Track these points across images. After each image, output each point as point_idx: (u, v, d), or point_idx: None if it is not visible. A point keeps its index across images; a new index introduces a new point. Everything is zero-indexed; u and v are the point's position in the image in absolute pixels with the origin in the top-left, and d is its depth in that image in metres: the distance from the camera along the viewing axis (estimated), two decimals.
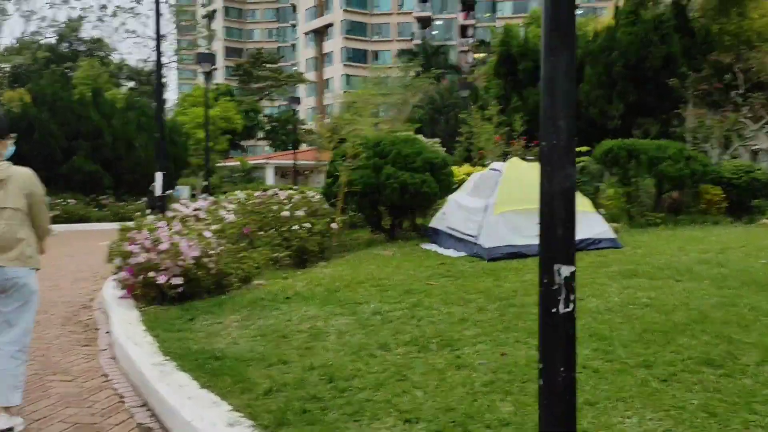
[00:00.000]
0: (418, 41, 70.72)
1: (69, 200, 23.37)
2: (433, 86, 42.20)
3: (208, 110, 18.34)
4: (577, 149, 12.22)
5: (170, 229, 7.43)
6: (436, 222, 10.26)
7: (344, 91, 69.05)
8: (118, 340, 5.73)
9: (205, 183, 20.23)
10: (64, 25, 38.16)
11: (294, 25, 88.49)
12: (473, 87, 23.30)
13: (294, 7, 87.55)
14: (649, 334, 4.65)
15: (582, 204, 9.16)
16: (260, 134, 68.43)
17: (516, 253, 8.43)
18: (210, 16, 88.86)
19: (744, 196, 12.09)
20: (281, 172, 62.38)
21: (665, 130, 14.64)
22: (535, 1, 74.04)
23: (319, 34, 78.19)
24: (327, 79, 76.50)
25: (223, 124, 34.83)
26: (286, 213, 10.44)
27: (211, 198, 16.41)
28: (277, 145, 69.77)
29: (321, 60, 78.05)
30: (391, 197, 10.37)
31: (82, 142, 25.03)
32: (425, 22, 75.66)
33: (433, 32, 74.37)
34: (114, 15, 46.14)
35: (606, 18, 20.19)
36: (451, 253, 9.21)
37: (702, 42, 15.50)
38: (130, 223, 8.64)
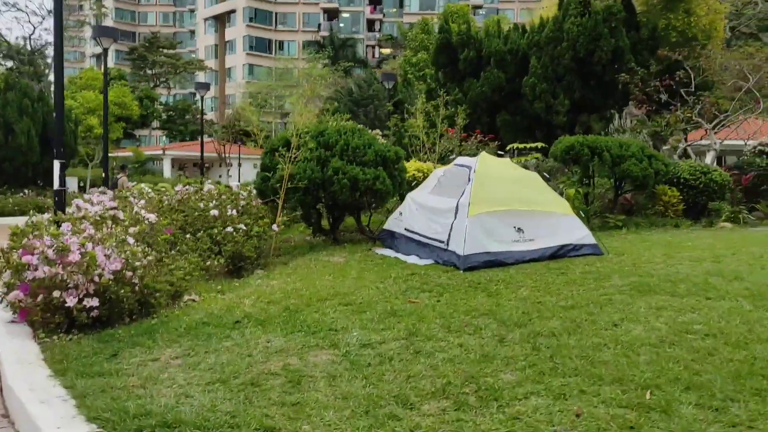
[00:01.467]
0: (325, 33, 69.13)
1: None
2: (348, 79, 41.00)
3: (107, 92, 16.19)
4: (531, 145, 11.39)
5: (79, 234, 5.77)
6: (392, 224, 9.03)
7: (247, 81, 66.47)
8: (14, 391, 4.10)
9: (104, 175, 17.95)
10: None
11: (193, 11, 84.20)
12: (396, 78, 22.24)
13: None
14: (750, 379, 3.65)
15: (559, 205, 8.24)
16: (155, 123, 64.58)
17: (493, 261, 7.36)
18: None
19: (700, 198, 11.71)
20: (179, 164, 59.18)
21: (608, 128, 14.21)
22: None
23: (221, 20, 74.77)
24: (229, 68, 73.31)
25: (118, 110, 31.99)
26: (214, 212, 8.86)
27: (111, 192, 14.53)
28: (173, 135, 66.08)
29: (222, 48, 74.67)
30: (340, 194, 9.03)
31: None
32: (332, 14, 74.08)
33: (340, 25, 72.93)
34: None
35: (549, 7, 19.64)
36: (414, 260, 8.02)
37: (648, 38, 15.20)
38: (22, 223, 6.86)
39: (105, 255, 5.42)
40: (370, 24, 76.16)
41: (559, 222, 7.96)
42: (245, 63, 70.96)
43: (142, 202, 10.44)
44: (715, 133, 13.89)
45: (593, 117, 14.70)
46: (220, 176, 54.87)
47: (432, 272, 7.25)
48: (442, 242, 7.77)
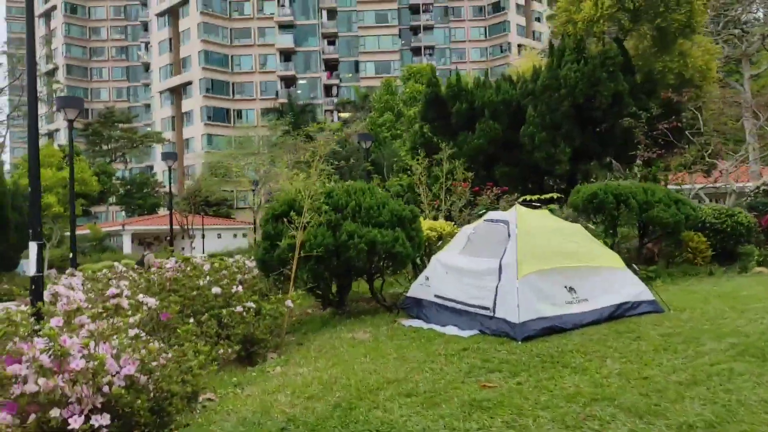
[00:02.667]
0: (283, 100, 69.06)
1: None
2: (320, 143, 40.61)
3: (73, 166, 15.13)
4: (546, 196, 10.68)
5: (74, 332, 4.64)
6: (417, 290, 8.06)
7: (206, 151, 65.43)
8: None
9: (72, 255, 16.61)
10: None
11: (147, 85, 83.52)
12: (372, 138, 21.64)
13: (147, 66, 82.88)
14: None
15: (608, 258, 7.42)
16: (112, 199, 62.69)
17: (551, 328, 6.45)
18: (51, 73, 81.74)
19: (727, 242, 11.10)
20: (138, 239, 57.29)
21: (611, 175, 13.68)
22: (397, 60, 75.60)
23: (177, 92, 74.15)
24: (187, 139, 72.28)
25: (77, 187, 30.40)
26: (216, 290, 7.77)
27: (79, 273, 13.27)
28: (131, 210, 64.22)
29: (179, 119, 73.81)
30: (357, 261, 8.06)
31: None
32: (289, 81, 74.31)
33: (298, 91, 73.13)
34: None
35: (530, 57, 19.40)
36: (454, 331, 7.04)
37: (644, 81, 14.92)
38: None
39: (112, 356, 4.32)
40: (328, 89, 76.69)
41: (611, 277, 7.13)
42: (204, 133, 70.13)
43: (124, 282, 9.32)
44: (729, 174, 13.54)
45: (594, 164, 14.20)
46: (182, 248, 53.13)
47: (484, 345, 6.27)
48: (486, 309, 6.83)
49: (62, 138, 71.25)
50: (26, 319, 6.21)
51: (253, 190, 35.14)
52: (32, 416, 4.11)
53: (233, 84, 72.90)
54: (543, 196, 9.82)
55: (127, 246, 52.95)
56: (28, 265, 22.65)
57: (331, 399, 5.04)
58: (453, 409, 4.42)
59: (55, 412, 3.99)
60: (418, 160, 11.87)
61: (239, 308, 7.20)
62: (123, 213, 63.35)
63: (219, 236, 56.83)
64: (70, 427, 3.95)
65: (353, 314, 8.96)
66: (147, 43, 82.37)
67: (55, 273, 31.14)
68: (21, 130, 72.75)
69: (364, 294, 11.24)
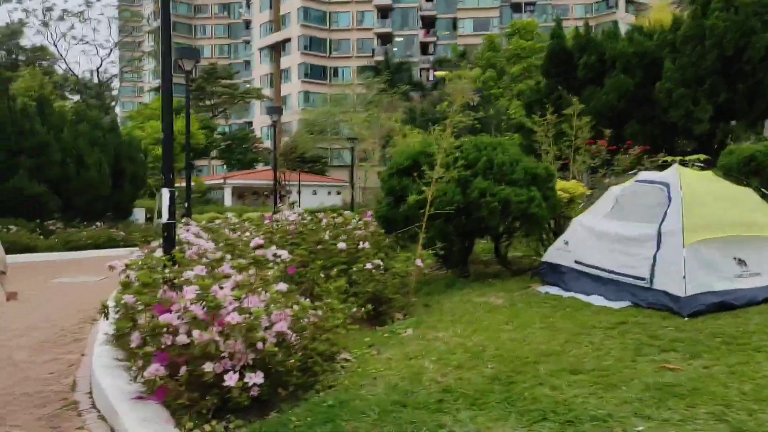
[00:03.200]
0: (379, 58, 68.49)
1: (9, 227, 19.59)
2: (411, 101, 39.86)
3: (189, 114, 15.29)
4: (692, 157, 9.71)
5: (220, 282, 4.41)
6: (554, 255, 7.46)
7: (303, 108, 66.11)
8: None
9: (187, 204, 16.95)
10: (1, 30, 34.03)
11: (247, 42, 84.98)
12: (481, 93, 20.81)
13: (247, 23, 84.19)
14: None
15: None
16: (214, 153, 64.60)
17: (722, 303, 5.74)
18: (157, 32, 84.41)
19: None
20: (239, 192, 59.00)
21: (755, 137, 12.40)
22: (496, 17, 73.13)
23: (276, 49, 75.06)
24: (284, 96, 73.28)
25: (185, 139, 31.24)
26: (342, 245, 7.49)
27: (193, 222, 13.45)
28: (232, 164, 66.06)
29: (278, 76, 74.85)
30: (490, 221, 7.55)
31: (26, 159, 21.28)
32: (385, 39, 73.52)
33: (394, 49, 72.27)
34: (61, 18, 41.93)
35: (660, 9, 17.90)
36: (600, 301, 6.44)
37: None
38: (97, 258, 5.65)
39: (276, 315, 4.04)
40: (424, 47, 75.31)
41: None
42: (300, 90, 70.84)
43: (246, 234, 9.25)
44: None
45: (737, 125, 12.91)
46: (280, 203, 54.22)
47: (644, 319, 5.64)
48: (641, 279, 6.18)
49: None
50: (161, 265, 6.13)
51: (352, 148, 34.87)
52: (183, 369, 3.90)
53: (330, 41, 72.94)
54: (689, 158, 8.91)
55: (228, 199, 54.64)
56: (140, 213, 23.35)
57: (483, 370, 4.61)
58: (637, 393, 3.88)
59: (209, 367, 3.76)
60: (534, 118, 11.10)
61: (369, 265, 6.87)
62: (224, 167, 65.24)
63: (314, 193, 57.69)
64: (225, 384, 3.70)
65: (477, 277, 8.50)
66: (248, 0, 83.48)
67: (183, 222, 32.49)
68: (130, 85, 76.03)
69: (480, 256, 10.75)
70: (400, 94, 53.91)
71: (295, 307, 4.18)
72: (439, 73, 69.42)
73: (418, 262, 7.08)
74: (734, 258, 6.05)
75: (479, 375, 4.49)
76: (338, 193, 61.68)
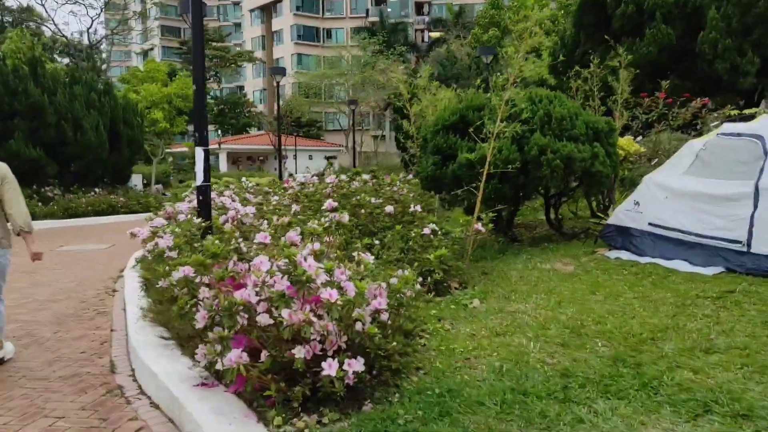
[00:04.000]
0: (374, 18, 66.83)
1: None
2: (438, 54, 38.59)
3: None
4: (750, 111, 9.06)
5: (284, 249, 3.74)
6: (623, 217, 6.85)
7: (296, 71, 64.61)
8: None
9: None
10: None
11: (237, 3, 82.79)
12: (495, 51, 19.99)
13: None
14: None
15: None
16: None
17: None
18: None
19: None
20: (233, 157, 57.99)
21: None
22: None
23: (267, 11, 73.10)
24: (277, 59, 71.62)
25: (181, 103, 30.18)
26: (389, 208, 6.84)
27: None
28: (225, 129, 64.75)
29: (270, 38, 73.07)
30: (550, 180, 6.90)
31: (20, 122, 20.34)
32: None
33: (389, 9, 70.52)
34: None
35: None
36: (685, 267, 5.85)
37: None
38: (97, 225, 5.02)
39: (374, 290, 3.40)
40: (419, 7, 73.57)
41: None
42: (293, 53, 69.22)
43: (275, 198, 8.57)
44: None
45: None
46: (275, 168, 53.39)
47: (755, 288, 5.05)
48: (737, 243, 5.58)
49: (157, 57, 71.94)
50: (201, 232, 5.48)
51: (352, 110, 33.95)
52: (263, 354, 3.27)
53: (323, 2, 71.04)
54: (746, 111, 8.27)
55: (223, 165, 53.61)
56: (137, 179, 22.42)
57: (595, 349, 4.02)
58: None
59: (300, 352, 3.13)
60: (568, 73, 10.36)
61: (426, 230, 6.23)
62: (218, 132, 64.07)
63: (310, 157, 56.80)
64: (324, 373, 3.08)
65: (528, 242, 7.90)
66: None
67: (161, 188, 31.60)
68: (119, 49, 73.96)
69: (523, 219, 10.15)
70: (397, 55, 52.69)
71: (393, 280, 3.54)
72: (433, 34, 67.93)
73: (478, 226, 6.43)
74: None
75: (594, 355, 3.89)
76: (334, 158, 60.77)
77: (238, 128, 64.06)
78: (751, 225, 5.49)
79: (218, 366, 3.24)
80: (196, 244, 5.34)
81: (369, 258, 3.78)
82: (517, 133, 7.08)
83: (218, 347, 3.21)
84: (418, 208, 6.77)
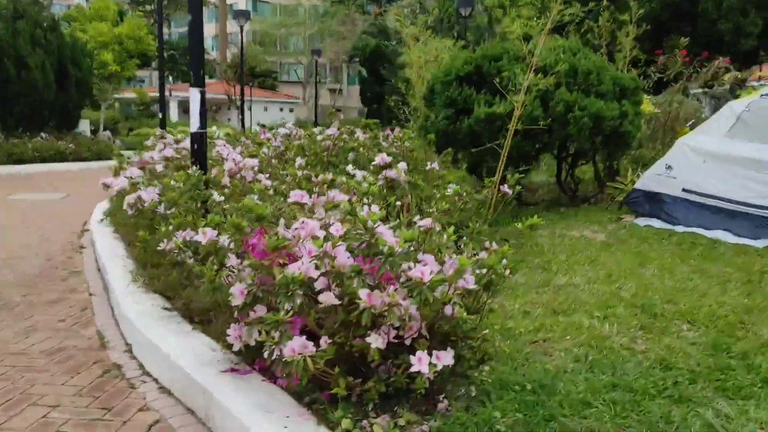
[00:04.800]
0: None
1: None
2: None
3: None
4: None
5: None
6: (652, 182, 6.39)
7: (251, 18, 61.94)
8: None
9: (160, 115, 15.11)
10: None
11: None
12: (473, 4, 19.24)
13: None
14: None
15: None
16: (155, 63, 60.32)
17: None
18: None
19: None
20: (185, 106, 55.75)
21: None
22: None
23: None
24: (230, 4, 68.68)
25: (133, 45, 28.47)
26: (402, 165, 6.17)
27: (169, 136, 11.89)
28: (176, 76, 62.05)
29: None
30: (577, 138, 6.37)
31: None
32: None
33: None
34: None
35: None
36: (730, 237, 5.44)
37: None
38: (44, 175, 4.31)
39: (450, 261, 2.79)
40: None
41: None
42: None
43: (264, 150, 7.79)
44: None
45: None
46: (229, 119, 51.73)
47: None
48: None
49: None
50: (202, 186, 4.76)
51: (315, 61, 32.73)
52: (324, 340, 2.66)
53: None
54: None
55: (174, 113, 51.40)
56: (85, 125, 21.07)
57: (683, 334, 3.54)
58: None
59: (375, 341, 2.53)
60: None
61: (450, 190, 5.61)
62: (170, 78, 61.37)
63: (265, 109, 55.15)
64: (414, 368, 2.48)
65: (543, 206, 7.40)
66: None
67: (109, 135, 29.91)
68: None
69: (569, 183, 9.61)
70: (357, 6, 51.17)
71: (482, 254, 2.94)
72: None
73: (504, 187, 5.84)
74: None
75: (685, 342, 3.41)
76: (291, 110, 59.23)
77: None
78: None
79: (273, 355, 2.58)
80: (198, 201, 4.62)
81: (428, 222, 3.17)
82: (539, 88, 6.49)
83: (275, 334, 2.55)
84: (435, 165, 6.13)
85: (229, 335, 3.02)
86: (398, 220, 3.33)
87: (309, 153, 6.90)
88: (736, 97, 10.26)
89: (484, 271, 2.89)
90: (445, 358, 2.59)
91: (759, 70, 8.28)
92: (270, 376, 3.06)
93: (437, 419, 2.65)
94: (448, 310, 2.70)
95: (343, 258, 2.71)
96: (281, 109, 58.40)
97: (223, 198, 4.61)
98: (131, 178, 6.75)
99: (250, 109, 48.75)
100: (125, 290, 4.69)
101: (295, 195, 3.48)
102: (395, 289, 2.53)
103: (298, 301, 2.64)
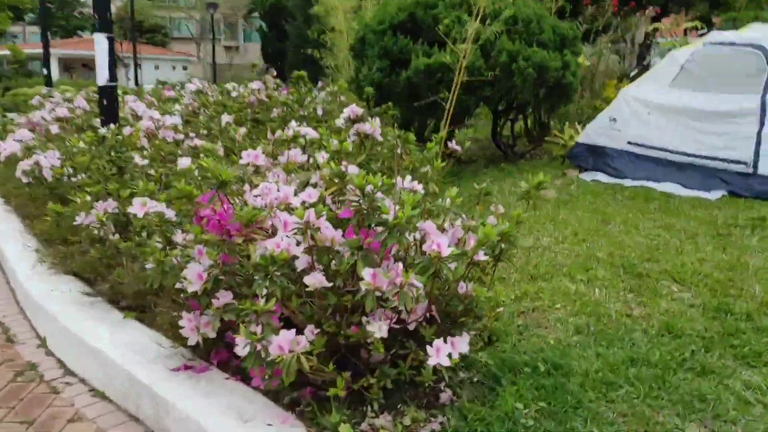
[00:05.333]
0: None
1: None
2: None
3: None
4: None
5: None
6: (596, 135, 6.19)
7: None
8: None
9: (44, 71, 13.65)
10: None
11: None
12: None
13: None
14: None
15: None
16: (28, 17, 55.38)
17: None
18: None
19: None
20: (65, 64, 51.79)
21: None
22: None
23: None
24: None
25: None
26: (340, 121, 5.65)
27: (57, 94, 10.94)
28: (53, 31, 57.23)
29: None
30: (521, 91, 6.06)
31: None
32: None
33: None
34: None
35: None
36: (681, 190, 5.34)
37: None
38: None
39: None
40: None
41: None
42: None
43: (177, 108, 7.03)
44: None
45: None
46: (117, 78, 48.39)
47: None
48: (741, 164, 5.13)
49: None
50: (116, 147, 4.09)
51: (212, 15, 30.91)
52: (310, 330, 2.20)
53: None
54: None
55: (55, 71, 47.48)
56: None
57: (676, 296, 3.31)
58: None
59: (377, 329, 2.10)
60: None
61: (399, 149, 5.15)
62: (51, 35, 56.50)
63: (156, 68, 52.09)
64: (431, 361, 2.07)
65: (480, 163, 7.12)
66: None
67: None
68: None
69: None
70: None
71: (491, 219, 2.53)
72: None
73: (453, 145, 5.46)
74: None
75: (681, 304, 3.19)
76: (184, 68, 56.27)
77: (69, 31, 57.06)
78: (758, 144, 5.05)
79: (249, 351, 2.06)
80: (116, 166, 3.93)
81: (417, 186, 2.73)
82: (488, 37, 6.11)
83: (255, 327, 2.04)
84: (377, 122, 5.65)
85: (182, 326, 2.47)
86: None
87: (231, 110, 6.23)
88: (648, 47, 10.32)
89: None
90: (461, 344, 2.17)
91: (683, 21, 8.26)
92: (235, 373, 2.55)
93: (448, 415, 2.25)
94: (461, 287, 2.28)
95: (331, 230, 2.22)
96: (174, 68, 55.37)
97: (146, 161, 3.95)
98: (23, 141, 5.87)
99: (140, 67, 45.84)
100: (30, 272, 3.95)
101: (248, 155, 2.93)
102: (405, 268, 2.07)
103: (279, 284, 2.13)
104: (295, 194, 2.41)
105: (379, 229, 2.12)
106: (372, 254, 2.09)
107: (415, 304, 2.16)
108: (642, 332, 2.87)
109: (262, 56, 36.89)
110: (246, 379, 2.47)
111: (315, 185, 3.06)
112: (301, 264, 2.22)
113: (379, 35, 6.52)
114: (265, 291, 2.12)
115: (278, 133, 3.18)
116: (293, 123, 5.01)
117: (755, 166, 5.03)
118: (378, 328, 2.13)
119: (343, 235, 2.23)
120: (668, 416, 2.25)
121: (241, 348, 2.09)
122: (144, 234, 2.77)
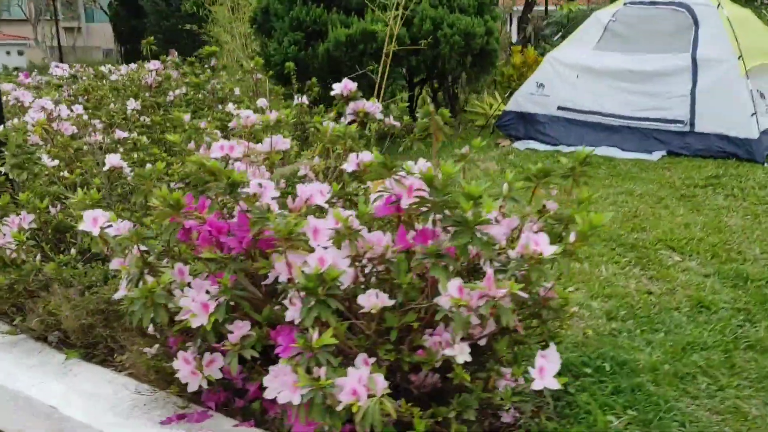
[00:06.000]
0: None
1: None
2: None
3: None
4: None
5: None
6: (523, 102, 5.99)
7: None
8: None
9: None
10: None
11: None
12: None
13: None
14: None
15: None
16: None
17: None
18: None
19: None
20: None
21: None
22: None
23: None
24: None
25: None
26: (263, 102, 5.08)
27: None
28: None
29: None
30: (448, 61, 5.76)
31: None
32: None
33: None
34: None
35: None
36: (620, 153, 5.31)
37: None
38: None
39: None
40: None
41: None
42: None
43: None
44: None
45: None
46: None
47: (730, 171, 4.61)
48: (677, 123, 5.14)
49: None
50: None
51: None
52: (363, 359, 1.78)
53: None
54: None
55: None
56: None
57: (679, 264, 3.15)
58: None
59: (461, 352, 1.73)
60: None
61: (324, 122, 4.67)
62: None
63: (8, 53, 47.02)
64: (536, 386, 1.71)
65: (407, 138, 6.74)
66: None
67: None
68: None
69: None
70: None
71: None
72: None
73: (390, 119, 5.05)
74: (757, 91, 5.26)
75: (693, 274, 3.04)
76: (20, 53, 51.23)
77: None
78: (693, 102, 5.07)
79: (317, 403, 1.58)
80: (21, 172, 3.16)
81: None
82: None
83: (320, 370, 1.55)
84: (305, 99, 5.12)
85: (178, 369, 1.93)
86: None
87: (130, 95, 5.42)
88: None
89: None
90: (553, 357, 1.80)
91: None
92: (246, 417, 2.04)
93: None
94: (542, 289, 1.91)
95: (378, 235, 1.78)
96: (8, 53, 50.25)
97: (57, 162, 3.22)
98: None
99: None
100: None
101: (220, 147, 2.37)
102: (501, 278, 1.67)
103: (330, 309, 1.66)
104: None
105: (455, 229, 1.69)
106: (455, 262, 1.66)
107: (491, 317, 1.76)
108: (676, 311, 2.66)
109: (115, 36, 34.19)
110: (260, 424, 1.99)
111: (304, 179, 2.60)
112: (346, 280, 1.76)
113: (287, 4, 5.93)
114: (308, 319, 1.64)
115: (258, 116, 2.61)
116: (231, 105, 4.40)
117: (692, 124, 5.06)
118: (460, 351, 1.71)
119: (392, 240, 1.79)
120: (757, 407, 2.03)
121: (296, 398, 1.60)
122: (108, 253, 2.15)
